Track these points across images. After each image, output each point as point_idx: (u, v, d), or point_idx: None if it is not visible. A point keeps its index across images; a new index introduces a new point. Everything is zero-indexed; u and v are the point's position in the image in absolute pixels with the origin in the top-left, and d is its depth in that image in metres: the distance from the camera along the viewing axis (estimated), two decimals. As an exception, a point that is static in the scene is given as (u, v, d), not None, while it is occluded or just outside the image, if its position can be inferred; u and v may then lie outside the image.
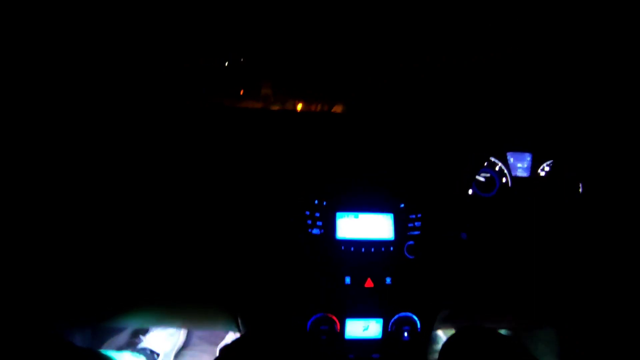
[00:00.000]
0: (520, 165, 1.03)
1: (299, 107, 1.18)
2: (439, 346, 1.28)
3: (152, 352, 1.24)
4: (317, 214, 0.89)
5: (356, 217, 0.90)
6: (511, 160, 1.03)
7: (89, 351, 0.99)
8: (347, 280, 0.87)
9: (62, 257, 0.85)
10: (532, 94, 1.07)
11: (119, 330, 1.31)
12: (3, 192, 0.82)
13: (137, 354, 1.19)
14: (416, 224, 0.91)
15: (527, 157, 1.03)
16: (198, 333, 1.42)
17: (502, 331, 1.37)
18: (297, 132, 0.97)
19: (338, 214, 0.90)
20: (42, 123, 0.87)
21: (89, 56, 0.95)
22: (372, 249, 0.88)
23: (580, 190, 1.01)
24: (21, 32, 0.86)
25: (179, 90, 1.10)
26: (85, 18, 0.94)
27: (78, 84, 0.91)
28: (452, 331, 1.28)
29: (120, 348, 1.28)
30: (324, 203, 0.90)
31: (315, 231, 0.88)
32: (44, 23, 0.90)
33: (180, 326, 1.32)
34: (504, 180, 1.02)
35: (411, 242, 0.89)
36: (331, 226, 0.89)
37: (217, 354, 1.29)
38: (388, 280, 0.88)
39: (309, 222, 0.88)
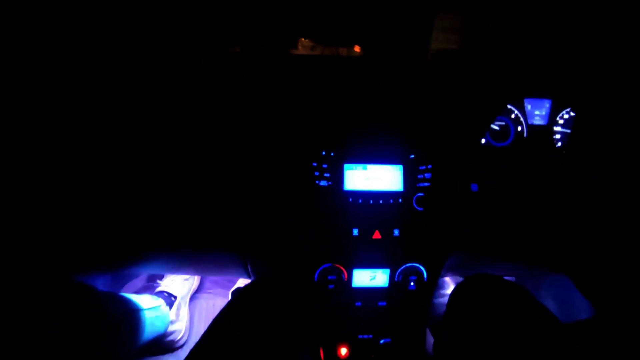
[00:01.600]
0: (537, 112, 0.98)
1: (302, 47, 1.11)
2: (445, 291, 1.32)
3: (169, 294, 1.30)
4: (325, 165, 0.87)
5: (364, 168, 0.88)
6: (528, 107, 0.98)
7: (112, 294, 1.04)
8: (355, 232, 0.87)
9: (83, 210, 0.86)
10: (555, 32, 0.99)
11: (136, 276, 1.36)
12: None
13: (156, 297, 1.25)
14: (426, 175, 0.89)
15: (546, 104, 0.98)
16: (211, 278, 1.47)
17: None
18: (303, 79, 0.92)
19: (346, 165, 0.88)
20: (50, 119, 0.86)
21: (90, 55, 0.92)
22: (381, 201, 0.87)
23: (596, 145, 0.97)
24: (19, 32, 0.84)
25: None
26: (84, 17, 0.90)
27: (79, 79, 0.88)
28: (459, 277, 1.31)
29: (138, 291, 1.35)
30: (332, 154, 0.87)
31: (323, 182, 0.87)
32: (43, 23, 0.87)
33: (194, 274, 1.37)
34: (519, 128, 0.97)
35: (420, 194, 0.88)
36: (339, 178, 0.87)
37: (230, 297, 1.36)
38: (396, 232, 0.87)
39: (316, 173, 0.87)
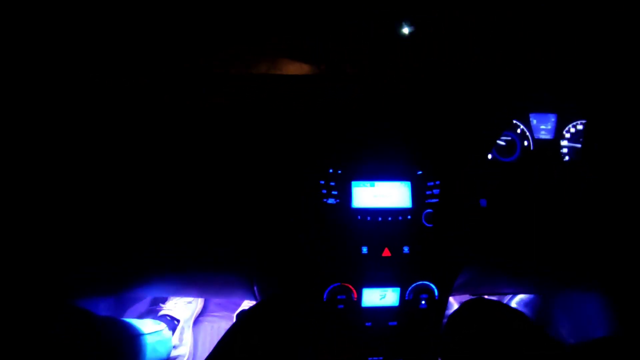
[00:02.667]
0: (543, 127, 0.98)
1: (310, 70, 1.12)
2: (449, 311, 1.30)
3: (172, 318, 1.27)
4: (332, 183, 0.86)
5: (372, 185, 0.87)
6: (534, 122, 0.98)
7: (111, 319, 1.02)
8: (364, 250, 0.85)
9: (83, 221, 0.85)
10: (558, 50, 1.00)
11: (139, 299, 1.34)
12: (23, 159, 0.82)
13: (158, 321, 1.22)
14: (434, 191, 0.88)
15: (552, 118, 0.98)
16: (215, 300, 1.45)
17: (517, 298, 1.37)
18: (311, 98, 0.93)
19: (354, 183, 0.87)
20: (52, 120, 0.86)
21: (89, 56, 0.93)
22: (389, 218, 0.86)
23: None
24: (19, 33, 0.84)
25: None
26: (85, 18, 0.91)
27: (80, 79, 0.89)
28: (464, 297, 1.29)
29: (141, 315, 1.32)
30: (339, 172, 0.87)
31: (331, 200, 0.86)
32: (44, 23, 0.87)
33: (198, 295, 1.34)
34: (525, 143, 0.97)
35: (429, 210, 0.87)
36: (347, 195, 0.86)
37: (234, 319, 1.33)
38: (406, 249, 0.86)
39: (324, 191, 0.86)
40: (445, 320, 1.22)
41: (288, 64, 1.06)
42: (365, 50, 1.12)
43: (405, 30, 1.06)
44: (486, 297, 1.27)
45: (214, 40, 1.08)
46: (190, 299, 1.35)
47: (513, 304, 1.36)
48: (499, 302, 0.79)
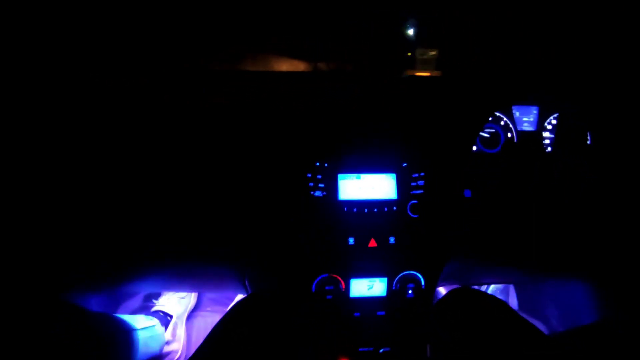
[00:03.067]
0: (526, 119, 1.00)
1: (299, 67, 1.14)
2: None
3: (165, 314, 1.28)
4: (319, 176, 0.88)
5: (358, 177, 0.89)
6: (517, 114, 1.00)
7: (103, 315, 1.03)
8: (351, 241, 0.87)
9: (76, 225, 0.86)
10: (539, 44, 1.02)
11: (132, 295, 1.35)
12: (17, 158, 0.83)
13: (151, 317, 1.23)
14: (419, 182, 0.89)
15: (534, 111, 1.00)
16: (209, 295, 1.46)
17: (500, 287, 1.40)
18: (295, 93, 0.94)
19: (340, 176, 0.89)
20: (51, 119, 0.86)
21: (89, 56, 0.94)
22: (375, 209, 0.88)
23: (589, 141, 0.99)
24: (20, 33, 0.85)
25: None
26: (85, 18, 0.92)
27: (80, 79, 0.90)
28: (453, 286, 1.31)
29: (134, 312, 1.33)
30: (325, 165, 0.88)
31: (318, 193, 0.87)
32: (42, 23, 0.88)
33: (191, 290, 1.35)
34: (509, 135, 0.99)
35: (414, 201, 0.89)
36: (333, 188, 0.88)
37: (227, 314, 1.34)
38: (392, 239, 0.88)
39: (311, 184, 0.87)
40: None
41: (282, 62, 1.08)
42: (359, 48, 1.14)
43: (410, 32, 1.08)
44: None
45: (214, 39, 1.09)
46: (183, 294, 1.36)
47: (490, 292, 1.39)
48: (481, 292, 0.80)
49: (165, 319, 1.27)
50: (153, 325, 1.17)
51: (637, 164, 0.93)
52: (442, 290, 1.36)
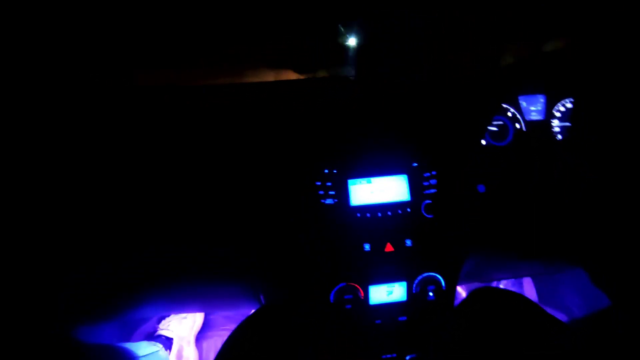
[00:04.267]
0: (533, 108, 0.98)
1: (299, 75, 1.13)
2: (459, 301, 1.29)
3: (166, 338, 1.26)
4: (329, 183, 0.86)
5: (369, 182, 0.87)
6: (524, 104, 0.98)
7: (104, 346, 0.99)
8: (367, 247, 0.85)
9: (83, 249, 0.83)
10: (541, 32, 1.01)
11: (146, 320, 1.32)
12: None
13: (154, 342, 1.20)
14: (431, 182, 0.87)
15: (541, 99, 0.98)
16: (222, 313, 1.43)
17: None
18: (301, 101, 0.92)
19: (350, 181, 0.86)
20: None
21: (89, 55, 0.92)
22: (389, 213, 0.86)
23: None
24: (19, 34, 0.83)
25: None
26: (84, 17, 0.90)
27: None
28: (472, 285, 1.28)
29: (148, 337, 1.30)
30: (335, 171, 0.86)
31: (329, 201, 0.85)
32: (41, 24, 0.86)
33: (204, 310, 1.33)
34: (517, 126, 0.97)
35: (428, 201, 0.87)
36: (344, 194, 0.86)
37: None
38: (408, 242, 0.86)
39: (321, 192, 0.85)
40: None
41: (282, 73, 1.07)
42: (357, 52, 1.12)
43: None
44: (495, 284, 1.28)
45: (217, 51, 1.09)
46: (184, 315, 1.34)
47: (502, 284, 1.37)
48: (503, 290, 0.79)
49: (168, 342, 1.24)
50: (157, 351, 1.14)
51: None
52: (461, 290, 1.34)
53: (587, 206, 0.91)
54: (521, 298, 0.77)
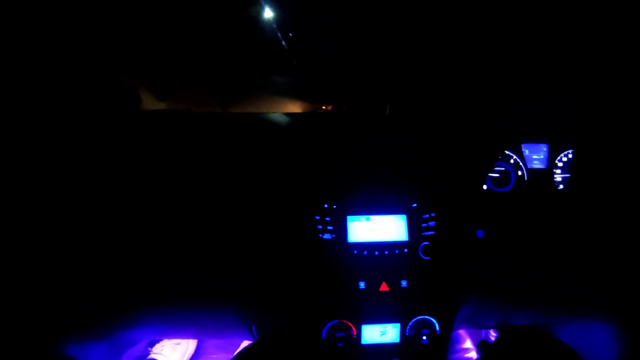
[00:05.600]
0: (536, 157, 0.99)
1: (304, 108, 1.16)
2: (462, 345, 1.26)
3: None
4: (328, 219, 0.87)
5: (368, 219, 0.87)
6: (526, 152, 0.99)
7: None
8: (362, 285, 0.84)
9: (74, 268, 0.84)
10: (546, 83, 1.03)
11: (134, 343, 1.30)
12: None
13: None
14: (430, 223, 0.88)
15: (544, 148, 0.99)
16: (213, 341, 1.41)
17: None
18: (304, 135, 0.94)
19: (349, 217, 0.87)
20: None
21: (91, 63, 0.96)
22: (386, 252, 0.86)
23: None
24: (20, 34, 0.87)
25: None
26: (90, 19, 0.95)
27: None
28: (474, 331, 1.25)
29: (138, 359, 1.28)
30: (334, 207, 0.87)
31: (327, 236, 0.86)
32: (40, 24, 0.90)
33: (195, 336, 1.31)
34: (519, 173, 0.98)
35: (426, 243, 0.87)
36: (342, 230, 0.86)
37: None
38: (404, 283, 0.85)
39: (320, 227, 0.86)
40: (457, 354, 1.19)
41: (281, 104, 1.11)
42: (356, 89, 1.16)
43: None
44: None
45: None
46: (179, 340, 1.32)
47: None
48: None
49: (159, 368, 1.22)
50: None
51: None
52: (463, 334, 1.31)
53: (588, 254, 0.91)
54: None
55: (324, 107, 1.19)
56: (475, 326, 1.03)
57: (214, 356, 1.36)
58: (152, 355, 1.25)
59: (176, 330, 1.08)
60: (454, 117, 0.98)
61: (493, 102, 1.03)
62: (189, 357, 1.33)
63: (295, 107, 1.16)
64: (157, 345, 1.28)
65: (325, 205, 0.87)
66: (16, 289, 0.81)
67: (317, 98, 1.20)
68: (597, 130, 0.91)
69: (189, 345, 1.34)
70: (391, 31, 0.96)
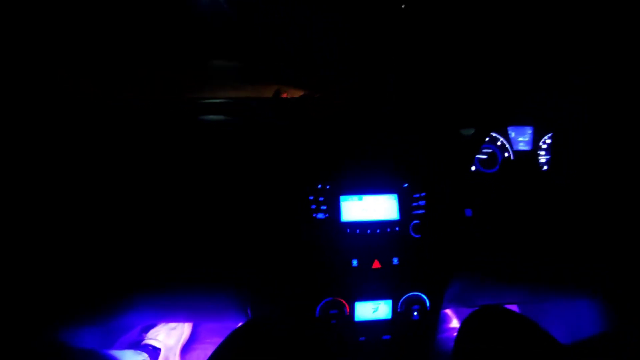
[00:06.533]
0: (521, 139, 1.02)
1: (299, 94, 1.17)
2: (449, 325, 1.29)
3: (153, 348, 1.24)
4: (321, 198, 0.88)
5: (360, 199, 0.89)
6: (512, 134, 1.02)
7: (88, 351, 0.98)
8: (354, 262, 0.86)
9: (67, 256, 0.84)
10: (532, 65, 1.06)
11: (129, 328, 1.30)
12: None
13: (140, 352, 1.18)
14: (420, 202, 0.90)
15: (529, 131, 1.02)
16: (208, 325, 1.42)
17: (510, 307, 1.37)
18: (297, 118, 0.96)
19: (342, 197, 0.89)
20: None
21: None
22: (378, 230, 0.88)
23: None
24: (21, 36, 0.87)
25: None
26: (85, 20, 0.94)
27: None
28: (463, 309, 1.29)
29: (131, 346, 1.28)
30: (327, 187, 0.89)
31: (320, 215, 0.87)
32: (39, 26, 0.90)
33: (190, 320, 1.32)
34: (505, 154, 1.01)
35: (416, 221, 0.89)
36: (336, 210, 0.88)
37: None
38: (395, 260, 0.87)
39: (313, 206, 0.88)
40: (445, 334, 1.22)
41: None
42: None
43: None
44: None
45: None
46: (174, 324, 1.32)
47: None
48: (508, 310, 0.79)
49: (155, 352, 1.22)
50: None
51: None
52: (450, 313, 1.34)
53: (572, 233, 0.94)
54: (524, 319, 0.78)
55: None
56: (465, 305, 1.06)
57: (208, 341, 1.37)
58: (147, 341, 1.25)
59: (171, 314, 1.08)
60: (445, 102, 1.01)
61: (479, 87, 1.06)
62: (184, 342, 1.33)
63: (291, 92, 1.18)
64: (151, 331, 1.28)
65: (319, 186, 0.89)
66: (9, 276, 0.81)
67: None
68: (600, 127, 0.95)
69: (184, 329, 1.34)
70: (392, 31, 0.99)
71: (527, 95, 1.03)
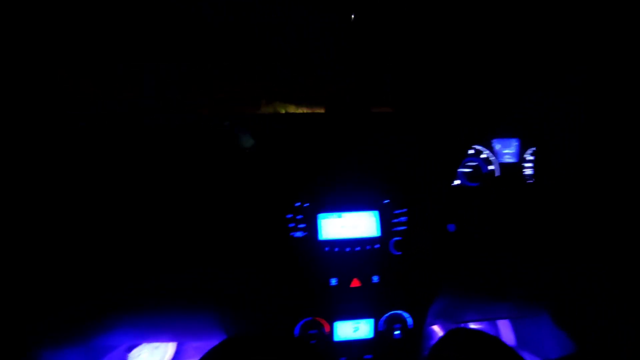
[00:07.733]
0: (507, 151, 1.00)
1: (280, 109, 1.16)
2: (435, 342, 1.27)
3: None
4: (300, 216, 0.87)
5: (339, 216, 0.88)
6: (498, 146, 1.00)
7: None
8: (333, 281, 0.85)
9: (48, 272, 0.83)
10: (515, 78, 1.04)
11: (112, 348, 1.29)
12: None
13: None
14: (402, 219, 0.88)
15: (515, 143, 1.00)
16: (192, 344, 1.40)
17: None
18: (276, 134, 0.94)
19: (320, 215, 0.87)
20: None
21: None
22: (358, 248, 0.86)
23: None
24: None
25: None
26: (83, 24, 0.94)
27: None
28: (451, 326, 1.26)
29: (113, 365, 1.27)
30: (306, 204, 0.87)
31: (298, 234, 0.86)
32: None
33: (170, 339, 1.30)
34: (490, 167, 0.99)
35: (398, 238, 0.87)
36: (314, 227, 0.86)
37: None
38: (375, 278, 0.86)
39: (291, 225, 0.86)
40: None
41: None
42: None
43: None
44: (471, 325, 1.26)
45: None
46: (157, 344, 1.30)
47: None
48: (479, 332, 0.78)
49: (137, 372, 1.21)
50: None
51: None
52: (437, 329, 1.32)
53: (555, 249, 0.92)
54: (496, 340, 0.77)
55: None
56: (450, 321, 1.04)
57: (194, 359, 1.35)
58: None
59: (153, 334, 1.07)
60: (426, 115, 0.99)
61: (462, 99, 1.04)
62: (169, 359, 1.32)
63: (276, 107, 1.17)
64: (135, 350, 1.27)
65: (297, 204, 0.87)
66: None
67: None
68: (596, 129, 0.93)
69: (168, 348, 1.33)
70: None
71: (514, 106, 1.01)
